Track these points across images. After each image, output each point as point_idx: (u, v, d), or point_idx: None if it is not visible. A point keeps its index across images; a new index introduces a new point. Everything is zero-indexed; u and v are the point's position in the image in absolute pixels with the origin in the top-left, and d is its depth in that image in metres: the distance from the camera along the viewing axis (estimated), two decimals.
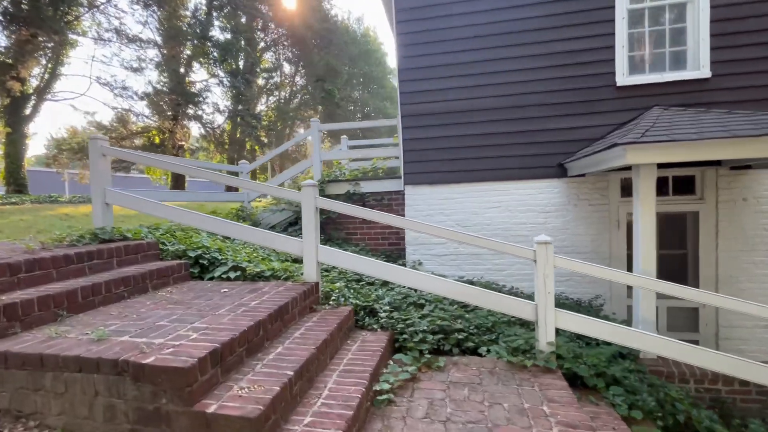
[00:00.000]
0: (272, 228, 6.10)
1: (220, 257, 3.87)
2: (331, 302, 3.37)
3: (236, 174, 6.40)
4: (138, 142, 17.71)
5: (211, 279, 3.64)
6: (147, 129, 17.76)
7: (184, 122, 16.58)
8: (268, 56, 22.43)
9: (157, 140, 18.24)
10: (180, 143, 16.53)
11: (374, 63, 32.29)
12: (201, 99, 15.63)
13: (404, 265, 5.71)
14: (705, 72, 4.52)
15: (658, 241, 4.96)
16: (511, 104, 5.05)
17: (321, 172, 6.09)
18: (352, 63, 26.40)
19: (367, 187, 5.91)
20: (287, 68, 21.53)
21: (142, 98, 16.40)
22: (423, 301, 3.81)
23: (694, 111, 4.19)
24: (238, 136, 19.88)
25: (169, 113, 15.08)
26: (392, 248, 5.96)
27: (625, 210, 4.87)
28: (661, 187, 4.93)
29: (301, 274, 3.73)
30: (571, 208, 4.97)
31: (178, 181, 19.39)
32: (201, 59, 18.17)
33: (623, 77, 4.73)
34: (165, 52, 16.65)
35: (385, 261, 5.10)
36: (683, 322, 4.83)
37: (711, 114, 3.97)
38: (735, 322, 4.58)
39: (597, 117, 4.83)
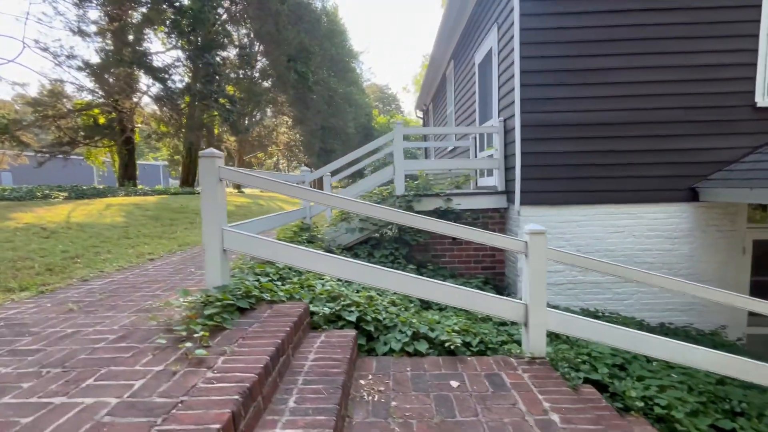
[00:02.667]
0: (344, 250, 5.07)
1: (380, 317, 2.91)
2: (567, 382, 2.63)
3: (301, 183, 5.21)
4: (78, 121, 14.63)
5: (388, 353, 2.69)
6: (89, 106, 14.74)
7: (140, 101, 14.01)
8: (231, 30, 19.87)
9: (102, 120, 15.33)
10: (136, 126, 13.95)
11: (339, 45, 30.53)
12: (167, 75, 13.23)
13: (505, 291, 5.10)
14: None
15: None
16: (643, 119, 4.58)
17: (404, 185, 5.16)
18: (318, 43, 24.54)
19: (463, 203, 5.13)
20: (256, 45, 19.23)
21: (81, 69, 13.40)
22: (621, 360, 3.23)
23: None
24: (199, 118, 17.40)
25: (127, 89, 12.55)
26: (486, 272, 5.31)
27: (751, 236, 4.70)
28: None
29: (505, 341, 2.94)
30: (698, 234, 4.68)
31: (127, 170, 16.66)
32: (156, 26, 15.43)
33: (763, 98, 4.47)
34: (111, 12, 13.78)
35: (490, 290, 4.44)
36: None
37: None
38: None
39: (732, 138, 4.55)
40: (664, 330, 4.61)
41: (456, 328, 2.98)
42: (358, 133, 34.28)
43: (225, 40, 16.10)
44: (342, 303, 2.91)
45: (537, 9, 4.49)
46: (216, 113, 16.46)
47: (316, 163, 29.47)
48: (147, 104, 16.33)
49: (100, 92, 13.68)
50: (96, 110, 15.26)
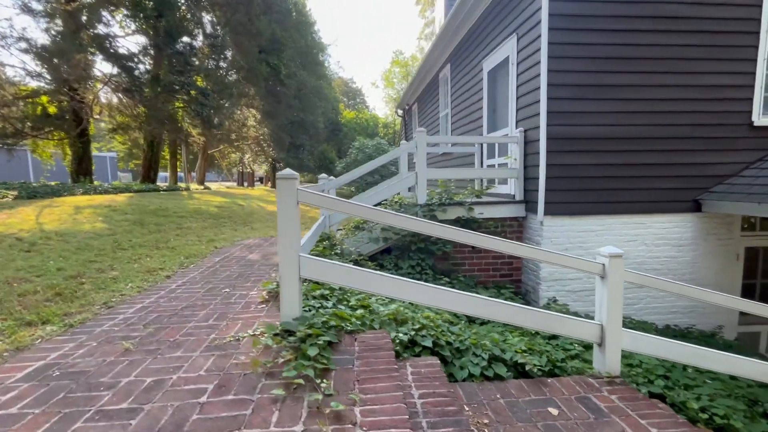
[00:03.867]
0: (368, 260, 4.94)
1: (451, 340, 2.86)
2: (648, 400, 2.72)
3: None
4: (23, 110, 13.03)
5: (467, 378, 2.64)
6: (36, 93, 13.19)
7: (100, 90, 12.74)
8: (193, 17, 18.58)
9: (52, 110, 13.81)
10: (95, 116, 12.68)
11: (308, 37, 29.63)
12: (133, 64, 12.12)
13: (524, 298, 5.23)
14: None
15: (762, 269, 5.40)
16: (656, 134, 4.84)
17: (426, 193, 5.09)
18: (289, 35, 23.68)
19: (484, 212, 5.17)
20: (225, 35, 18.13)
21: (27, 51, 11.93)
22: (664, 370, 3.41)
23: None
24: (165, 110, 16.14)
25: (84, 77, 11.36)
26: (504, 279, 5.40)
27: (744, 244, 5.14)
28: None
29: (565, 358, 2.99)
30: (700, 242, 5.04)
31: (81, 165, 15.19)
32: (116, 8, 14.08)
33: (759, 117, 4.87)
34: None
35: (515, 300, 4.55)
36: None
37: None
38: None
39: (731, 154, 4.93)
40: (670, 332, 4.94)
41: (523, 347, 2.99)
42: (326, 127, 33.64)
43: (195, 28, 15.05)
44: (413, 327, 2.82)
45: (565, 24, 4.57)
46: (181, 105, 15.40)
47: (285, 159, 28.57)
48: (105, 94, 14.93)
49: (51, 78, 12.29)
50: (45, 98, 13.73)
